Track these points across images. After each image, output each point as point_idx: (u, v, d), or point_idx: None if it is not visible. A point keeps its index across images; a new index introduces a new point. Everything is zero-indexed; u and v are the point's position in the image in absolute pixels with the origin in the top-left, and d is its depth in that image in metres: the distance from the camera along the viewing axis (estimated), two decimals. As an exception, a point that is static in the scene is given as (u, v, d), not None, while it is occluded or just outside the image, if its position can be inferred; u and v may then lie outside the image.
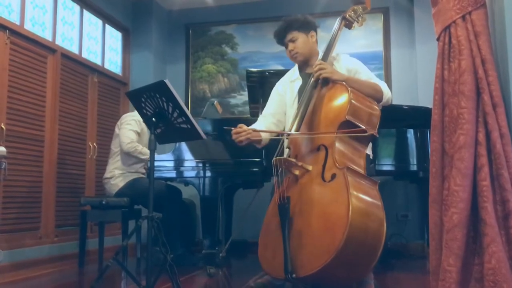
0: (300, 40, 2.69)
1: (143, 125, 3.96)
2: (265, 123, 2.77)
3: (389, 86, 5.01)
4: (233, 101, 5.42)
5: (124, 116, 4.06)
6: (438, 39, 1.97)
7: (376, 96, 2.54)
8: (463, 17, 1.87)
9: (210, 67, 5.50)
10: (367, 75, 2.66)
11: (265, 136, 2.66)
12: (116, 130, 3.98)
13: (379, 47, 5.08)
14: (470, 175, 1.75)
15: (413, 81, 4.89)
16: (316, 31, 2.77)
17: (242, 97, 5.34)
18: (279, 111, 2.81)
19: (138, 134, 3.90)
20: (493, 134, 1.75)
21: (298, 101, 2.64)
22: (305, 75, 2.70)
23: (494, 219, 1.68)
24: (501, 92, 1.81)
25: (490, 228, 1.66)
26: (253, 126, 2.72)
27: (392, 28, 5.12)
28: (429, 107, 2.07)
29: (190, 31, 5.60)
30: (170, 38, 5.64)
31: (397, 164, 3.70)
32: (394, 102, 4.87)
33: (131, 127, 3.87)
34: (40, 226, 3.77)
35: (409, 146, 3.74)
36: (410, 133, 3.70)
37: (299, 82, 2.74)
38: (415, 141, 3.72)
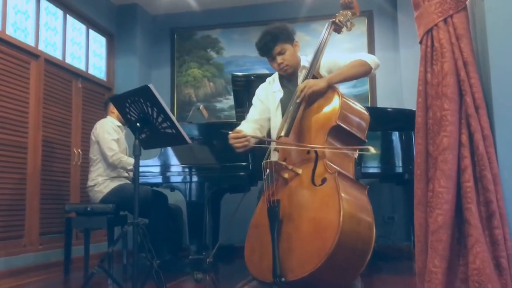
0: (288, 52, 2.63)
1: (119, 130, 3.90)
2: (251, 129, 2.72)
3: (374, 89, 5.08)
4: (219, 105, 5.41)
5: (98, 124, 3.93)
6: (420, 42, 1.99)
7: (365, 69, 2.52)
8: (445, 20, 1.89)
9: (196, 72, 5.49)
10: (345, 59, 2.60)
11: (251, 143, 2.63)
12: (92, 137, 3.88)
13: (363, 50, 5.11)
14: (454, 176, 1.77)
15: (397, 84, 4.92)
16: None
17: (228, 101, 5.34)
18: (262, 117, 2.79)
19: (117, 140, 3.86)
20: (476, 136, 1.77)
21: (282, 111, 2.63)
22: (287, 90, 2.68)
23: (478, 220, 1.69)
24: (483, 94, 1.83)
25: (474, 229, 1.67)
26: (241, 129, 2.67)
27: (376, 32, 5.16)
28: (414, 109, 2.08)
29: (175, 36, 5.58)
30: (155, 42, 5.61)
31: (383, 167, 3.72)
32: (379, 105, 4.98)
33: (111, 137, 3.80)
34: (24, 234, 3.72)
35: (395, 148, 3.76)
36: (395, 136, 3.73)
37: (280, 94, 2.72)
38: (400, 144, 3.74)
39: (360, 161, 3.51)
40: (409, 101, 4.44)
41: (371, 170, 3.68)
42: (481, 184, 1.74)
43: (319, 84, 2.43)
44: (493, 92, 1.83)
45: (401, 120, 3.86)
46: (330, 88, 2.46)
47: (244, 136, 2.48)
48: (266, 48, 2.64)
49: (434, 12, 1.91)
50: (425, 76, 1.94)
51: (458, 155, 1.78)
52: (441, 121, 1.83)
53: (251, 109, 2.85)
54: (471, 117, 1.79)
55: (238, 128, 2.66)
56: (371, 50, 5.13)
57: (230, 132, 2.51)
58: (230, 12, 5.42)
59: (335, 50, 4.90)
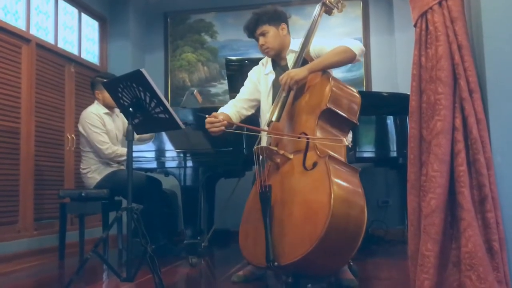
0: (270, 34, 2.66)
1: (105, 118, 3.82)
2: (236, 108, 2.80)
3: (369, 73, 5.06)
4: (213, 90, 5.38)
5: (83, 115, 3.81)
6: (415, 26, 1.97)
7: (348, 55, 2.48)
8: (440, 3, 1.87)
9: (190, 56, 5.45)
10: (332, 44, 2.57)
11: (236, 122, 2.69)
12: (80, 129, 3.78)
13: (358, 34, 5.08)
14: (447, 160, 1.77)
15: (392, 68, 4.91)
16: (287, 22, 2.74)
17: (222, 86, 5.31)
18: (252, 99, 2.84)
19: (107, 132, 3.80)
20: (470, 120, 1.76)
21: (273, 95, 2.63)
22: (279, 71, 2.67)
23: (471, 204, 1.69)
24: (477, 77, 1.83)
25: (467, 213, 1.68)
26: (222, 110, 2.75)
27: (371, 15, 5.12)
28: (408, 93, 2.07)
29: (169, 20, 5.52)
30: (148, 26, 5.55)
31: (377, 151, 3.73)
32: (374, 89, 4.97)
33: (99, 130, 3.71)
34: (18, 220, 3.71)
35: (389, 132, 3.77)
36: (390, 120, 3.73)
37: (272, 76, 2.73)
38: (395, 128, 3.75)
39: (354, 146, 3.52)
40: (403, 85, 4.44)
41: (366, 155, 3.69)
42: (474, 168, 1.74)
43: (300, 73, 2.42)
44: (487, 75, 1.82)
45: (395, 104, 3.86)
46: (322, 72, 2.45)
47: (220, 121, 2.52)
48: (248, 29, 2.71)
49: (429, -6, 1.89)
50: (419, 59, 1.93)
51: (451, 139, 1.78)
52: (435, 105, 1.82)
53: (242, 89, 2.90)
54: (465, 101, 1.78)
55: (221, 109, 2.73)
56: (366, 34, 5.10)
57: (207, 116, 2.55)
58: (224, -5, 5.36)
59: (330, 34, 4.89)
